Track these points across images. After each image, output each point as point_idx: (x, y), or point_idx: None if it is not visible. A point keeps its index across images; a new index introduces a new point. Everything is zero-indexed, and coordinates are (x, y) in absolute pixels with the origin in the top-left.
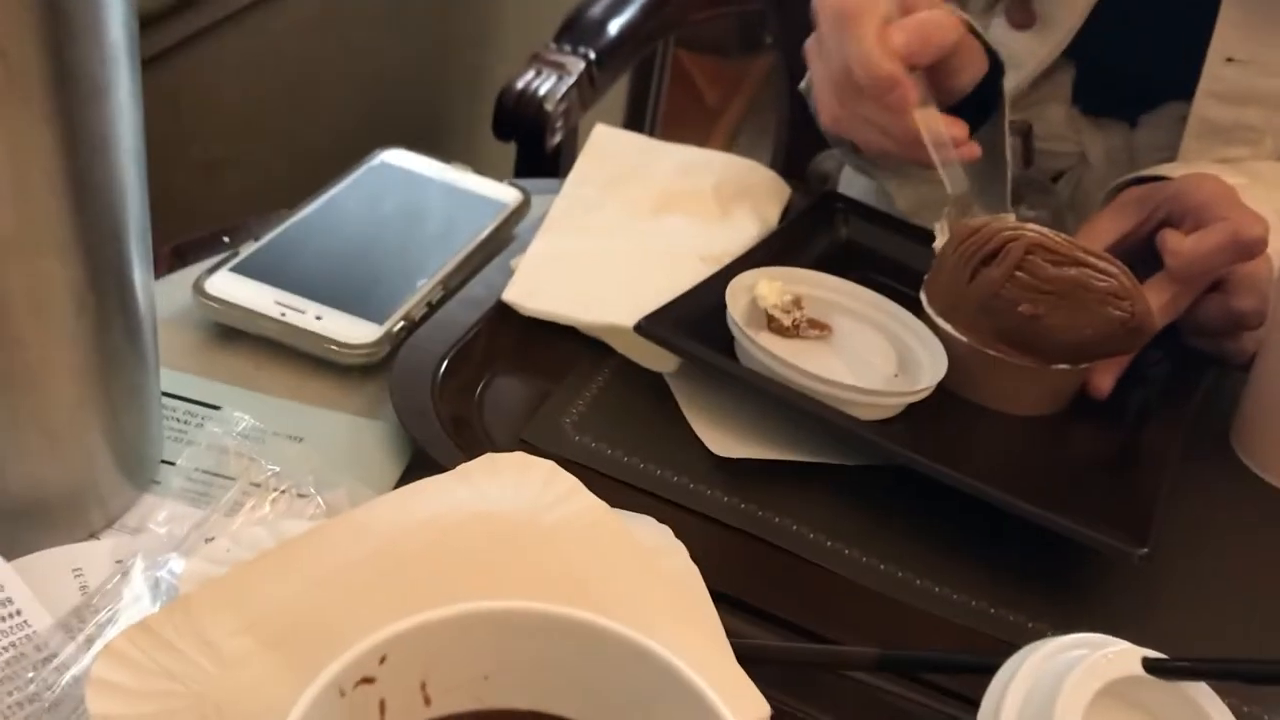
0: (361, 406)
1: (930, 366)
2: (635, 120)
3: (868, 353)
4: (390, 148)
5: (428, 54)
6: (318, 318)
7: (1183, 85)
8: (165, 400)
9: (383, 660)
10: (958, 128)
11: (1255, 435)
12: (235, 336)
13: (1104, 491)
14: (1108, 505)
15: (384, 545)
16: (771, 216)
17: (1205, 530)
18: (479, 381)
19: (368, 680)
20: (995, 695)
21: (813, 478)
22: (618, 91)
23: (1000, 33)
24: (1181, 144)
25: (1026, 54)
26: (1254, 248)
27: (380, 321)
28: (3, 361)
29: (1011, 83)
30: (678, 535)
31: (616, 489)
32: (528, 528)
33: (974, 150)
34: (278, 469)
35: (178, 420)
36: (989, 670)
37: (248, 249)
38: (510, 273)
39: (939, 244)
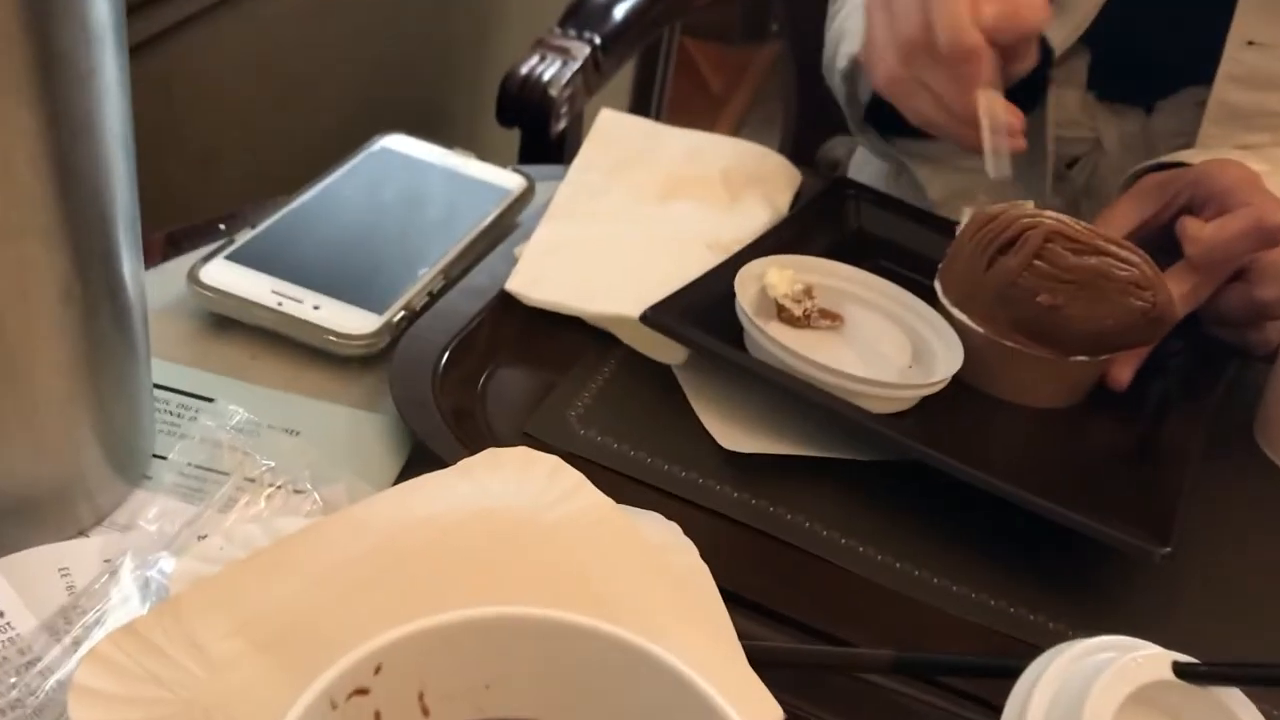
0: (360, 399)
1: (945, 358)
2: (640, 108)
3: (881, 344)
4: (390, 133)
5: (430, 39)
6: (315, 307)
7: (1200, 70)
8: (157, 392)
9: (377, 670)
10: (1017, 116)
11: (1278, 430)
12: (230, 327)
13: (1124, 488)
14: (1128, 502)
15: (382, 543)
16: (782, 203)
17: (1229, 526)
18: (481, 373)
19: (361, 691)
20: (1019, 700)
21: (825, 472)
22: (622, 80)
23: None
24: (1201, 129)
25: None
26: (1277, 235)
27: (380, 311)
28: None
29: None
30: (686, 532)
31: (623, 484)
32: (530, 526)
33: (1022, 144)
34: (273, 464)
35: (170, 413)
36: (1009, 673)
37: (244, 236)
38: (514, 261)
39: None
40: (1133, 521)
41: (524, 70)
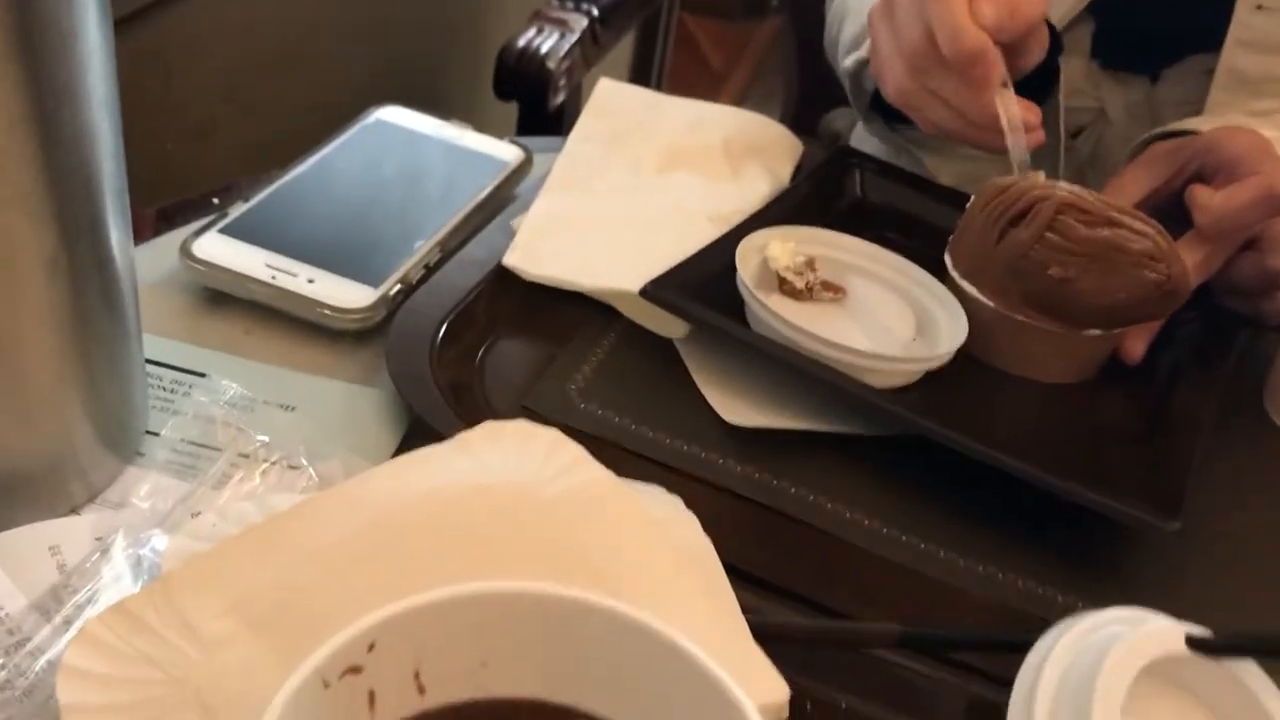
0: (356, 374)
1: (950, 330)
2: (640, 85)
3: (884, 316)
4: (386, 104)
5: (427, 12)
6: (310, 281)
7: (1206, 37)
8: (150, 368)
9: (371, 648)
10: (1032, 112)
11: None
12: (224, 301)
13: (1134, 461)
14: (1138, 475)
15: (378, 519)
16: (784, 174)
17: (1240, 499)
18: (479, 347)
19: (355, 670)
20: (1030, 674)
21: (830, 447)
22: (622, 56)
23: None
24: (1209, 96)
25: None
26: None
27: (375, 284)
28: None
29: None
30: (689, 507)
31: (624, 458)
32: (529, 500)
33: (1041, 138)
34: (267, 439)
35: (164, 389)
36: (1018, 648)
37: (237, 210)
38: (511, 233)
39: None
40: (1142, 495)
41: (521, 43)
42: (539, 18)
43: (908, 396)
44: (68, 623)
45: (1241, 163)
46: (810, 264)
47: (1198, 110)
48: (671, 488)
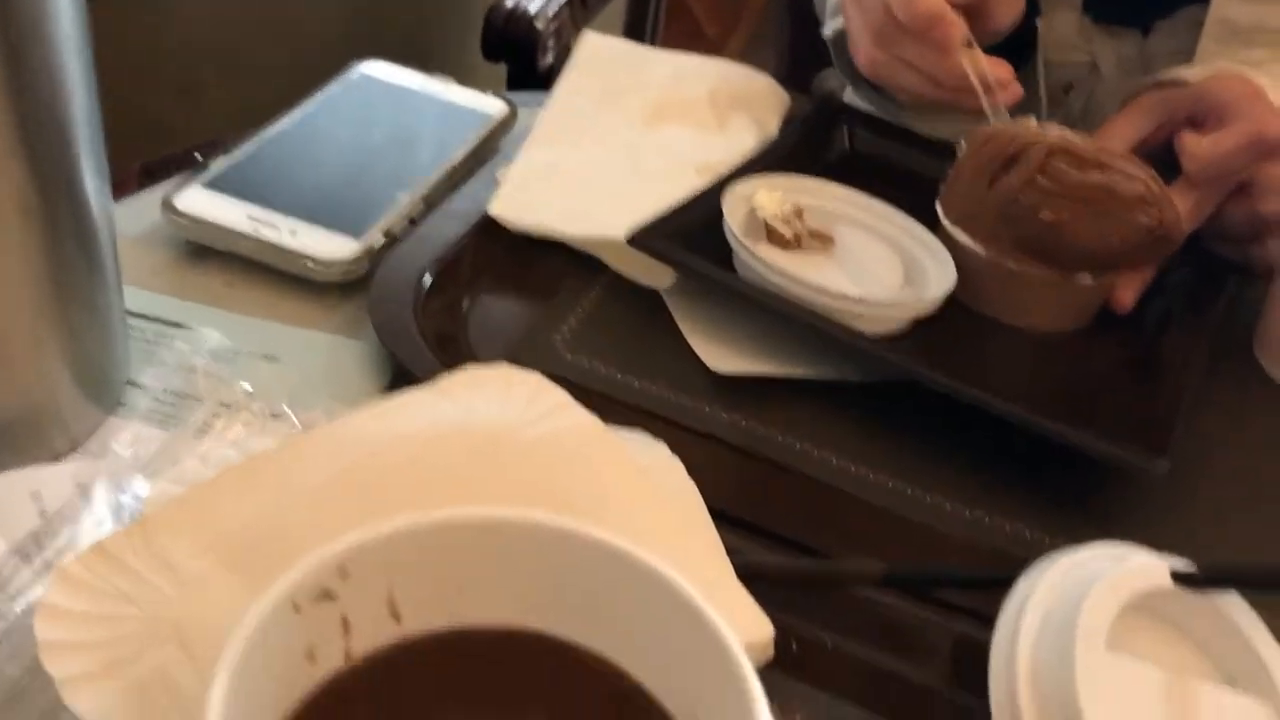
0: (340, 326)
1: (938, 278)
2: None
3: (872, 265)
4: (370, 59)
5: None
6: (292, 233)
7: None
8: (133, 321)
9: (343, 574)
10: (1002, 69)
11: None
12: (207, 255)
13: (1123, 404)
14: (1127, 418)
15: (358, 460)
16: (771, 126)
17: (1229, 443)
18: (464, 297)
19: (327, 595)
20: (1013, 611)
21: (816, 394)
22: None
23: None
24: (1199, 46)
25: None
26: (1278, 145)
27: (358, 236)
28: None
29: None
30: (675, 454)
31: (609, 407)
32: (511, 442)
33: (1018, 92)
34: (249, 388)
35: (147, 340)
36: (1002, 584)
37: (219, 164)
38: (496, 185)
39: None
40: (1131, 437)
41: (510, 3)
42: None
43: (898, 344)
44: (48, 567)
45: (1231, 108)
46: (798, 213)
47: (1189, 62)
48: (657, 435)
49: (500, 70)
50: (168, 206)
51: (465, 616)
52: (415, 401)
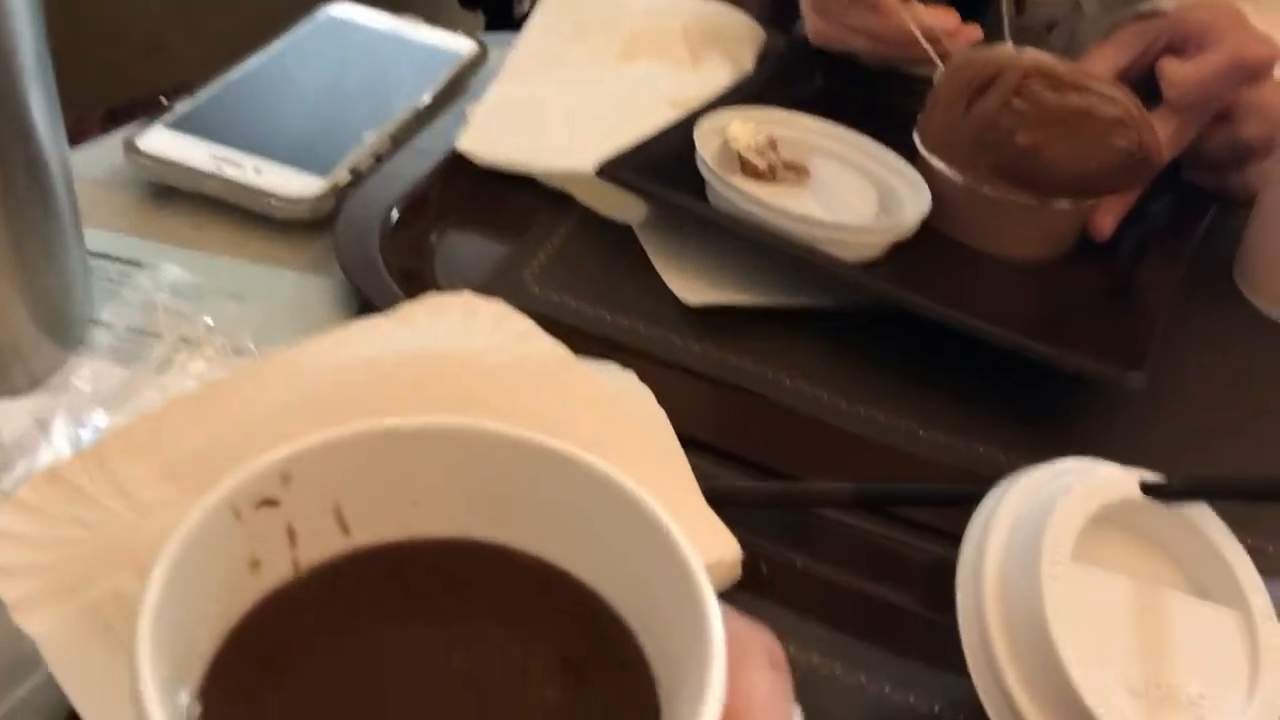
0: (307, 264)
1: (914, 203)
2: None
3: (847, 195)
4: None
5: None
6: (257, 171)
7: None
8: (97, 261)
9: (285, 480)
10: (947, 17)
11: (1259, 269)
12: (173, 196)
13: (1100, 327)
14: (1104, 336)
15: (316, 386)
16: (746, 62)
17: (1206, 368)
18: (432, 234)
19: (270, 502)
20: (980, 525)
21: (788, 324)
22: None
23: None
24: None
25: None
26: (1258, 69)
27: (324, 174)
28: None
29: None
30: (645, 384)
31: (579, 340)
32: (475, 367)
33: (975, 33)
34: (211, 323)
35: (110, 280)
36: (971, 501)
37: (184, 105)
38: (466, 122)
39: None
40: (1106, 353)
41: None
42: None
43: (876, 271)
44: (4, 498)
45: (1212, 33)
46: (772, 144)
47: None
48: (627, 367)
49: (479, 21)
50: (130, 148)
51: (418, 529)
52: (376, 327)
